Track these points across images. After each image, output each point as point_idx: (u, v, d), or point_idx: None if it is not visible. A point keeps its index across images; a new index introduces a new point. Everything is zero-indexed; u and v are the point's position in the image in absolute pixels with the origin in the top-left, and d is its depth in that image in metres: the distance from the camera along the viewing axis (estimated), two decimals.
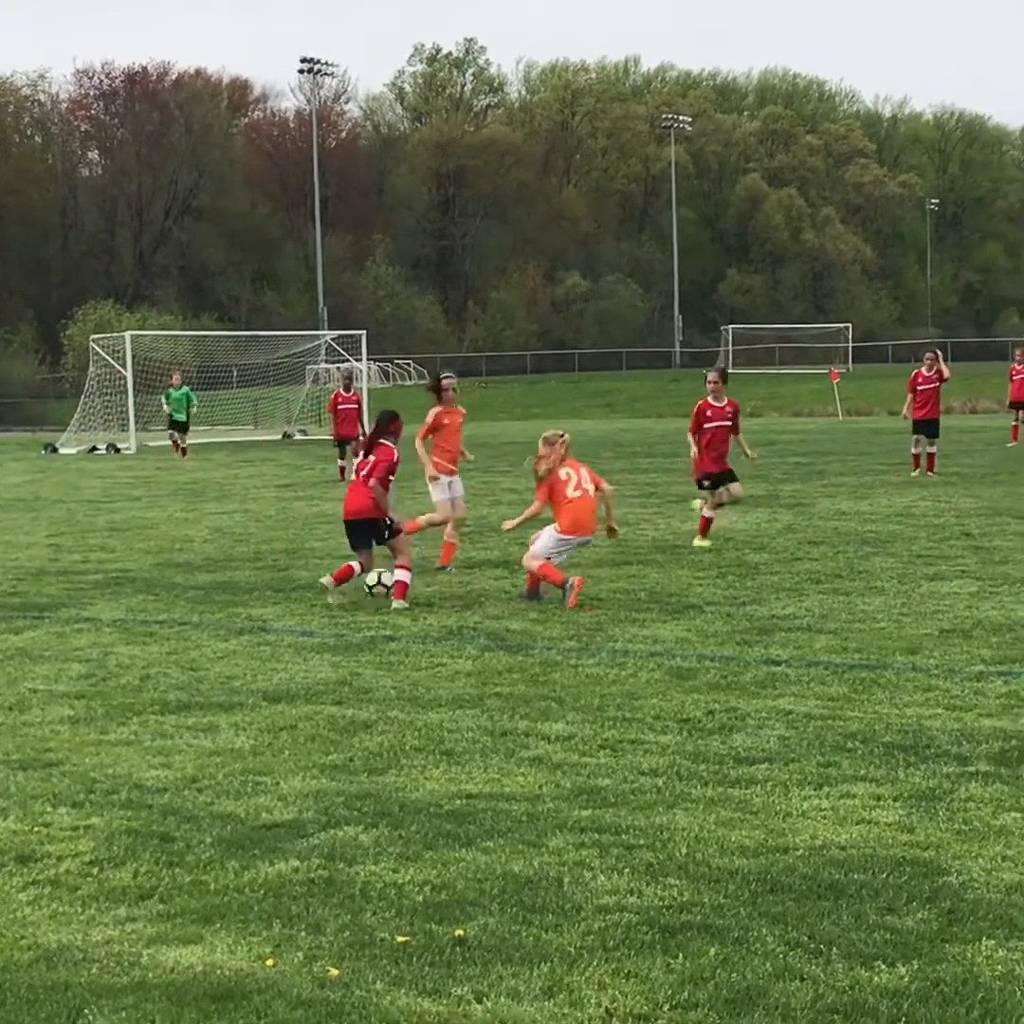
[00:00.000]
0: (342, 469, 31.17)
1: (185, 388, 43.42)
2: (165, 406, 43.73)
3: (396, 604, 14.97)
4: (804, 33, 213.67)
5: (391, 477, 15.60)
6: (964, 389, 73.58)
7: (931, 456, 29.64)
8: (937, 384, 30.12)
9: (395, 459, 15.61)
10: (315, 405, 60.29)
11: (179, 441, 42.84)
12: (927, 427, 29.91)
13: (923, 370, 30.53)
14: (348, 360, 60.33)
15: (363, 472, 15.63)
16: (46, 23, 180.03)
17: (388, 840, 7.57)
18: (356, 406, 32.71)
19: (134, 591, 16.44)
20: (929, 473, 29.22)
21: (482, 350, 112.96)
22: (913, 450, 30.17)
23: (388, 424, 15.90)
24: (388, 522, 15.52)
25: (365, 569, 15.53)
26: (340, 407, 32.64)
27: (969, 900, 6.60)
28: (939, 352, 31.67)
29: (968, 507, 23.06)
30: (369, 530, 15.59)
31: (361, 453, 16.10)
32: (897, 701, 10.37)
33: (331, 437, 34.32)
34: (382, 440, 15.76)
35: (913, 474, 29.19)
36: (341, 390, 33.21)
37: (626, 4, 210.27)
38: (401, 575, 15.21)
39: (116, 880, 7.10)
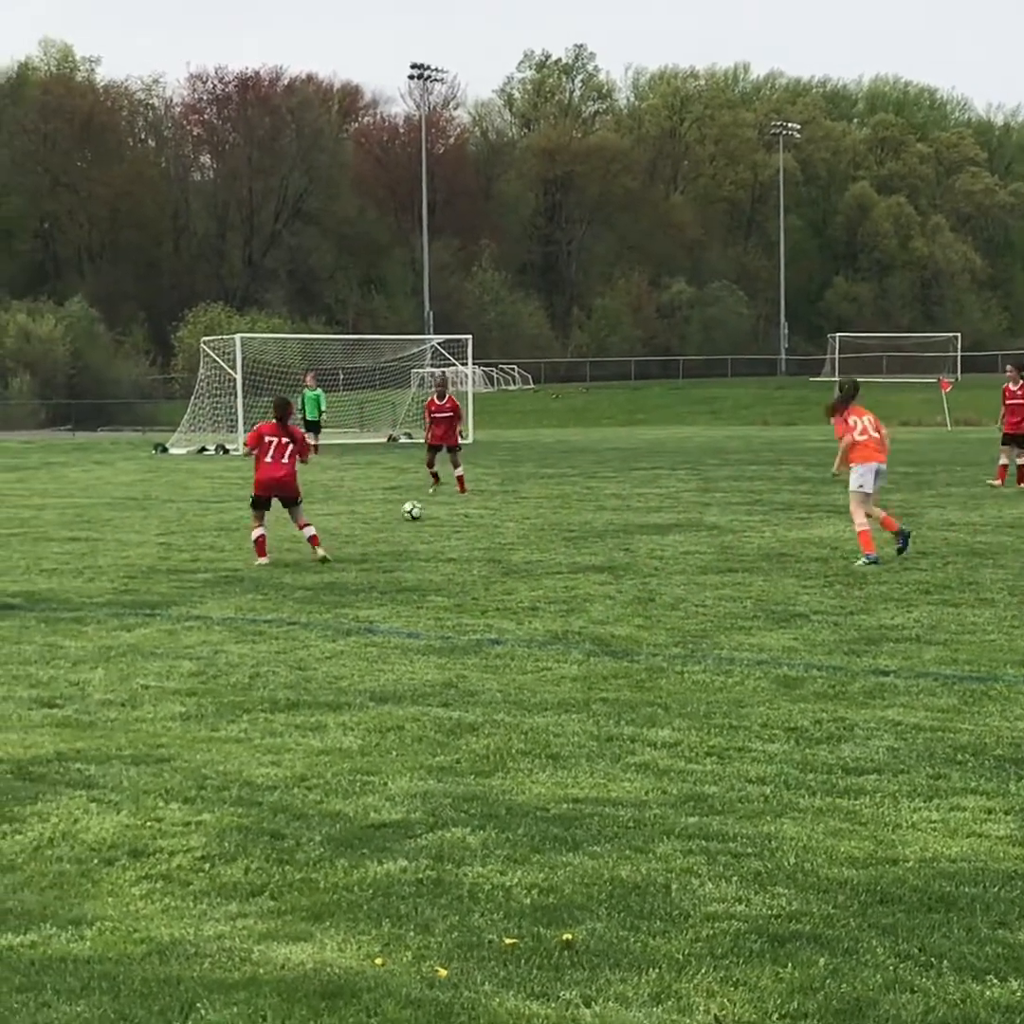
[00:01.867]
0: (434, 475, 30.85)
1: (318, 390, 44.74)
2: (300, 407, 44.67)
3: (321, 553, 18.70)
4: (916, 41, 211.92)
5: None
6: None
7: (1020, 467, 29.38)
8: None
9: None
10: (420, 409, 60.55)
11: (312, 440, 43.64)
12: (1018, 439, 29.73)
13: (1009, 385, 30.22)
14: (453, 364, 60.53)
15: (287, 452, 19.05)
16: (160, 29, 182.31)
17: (495, 842, 7.58)
18: (452, 413, 31.62)
19: (243, 590, 16.58)
20: (1021, 484, 29.00)
21: (586, 356, 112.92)
22: (1001, 461, 29.92)
23: (287, 409, 19.59)
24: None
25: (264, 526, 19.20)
26: (434, 415, 31.39)
27: None
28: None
29: None
30: (291, 498, 19.21)
31: (277, 435, 19.15)
32: (1008, 714, 10.25)
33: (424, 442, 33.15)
34: (288, 423, 19.37)
35: (993, 483, 29.10)
36: (434, 397, 31.93)
37: (736, 11, 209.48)
38: (312, 529, 19.13)
39: (227, 876, 7.16)
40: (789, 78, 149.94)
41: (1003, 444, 30.09)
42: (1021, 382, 30.06)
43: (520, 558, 19.08)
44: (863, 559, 17.85)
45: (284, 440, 19.17)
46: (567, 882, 6.99)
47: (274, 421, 19.36)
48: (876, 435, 18.82)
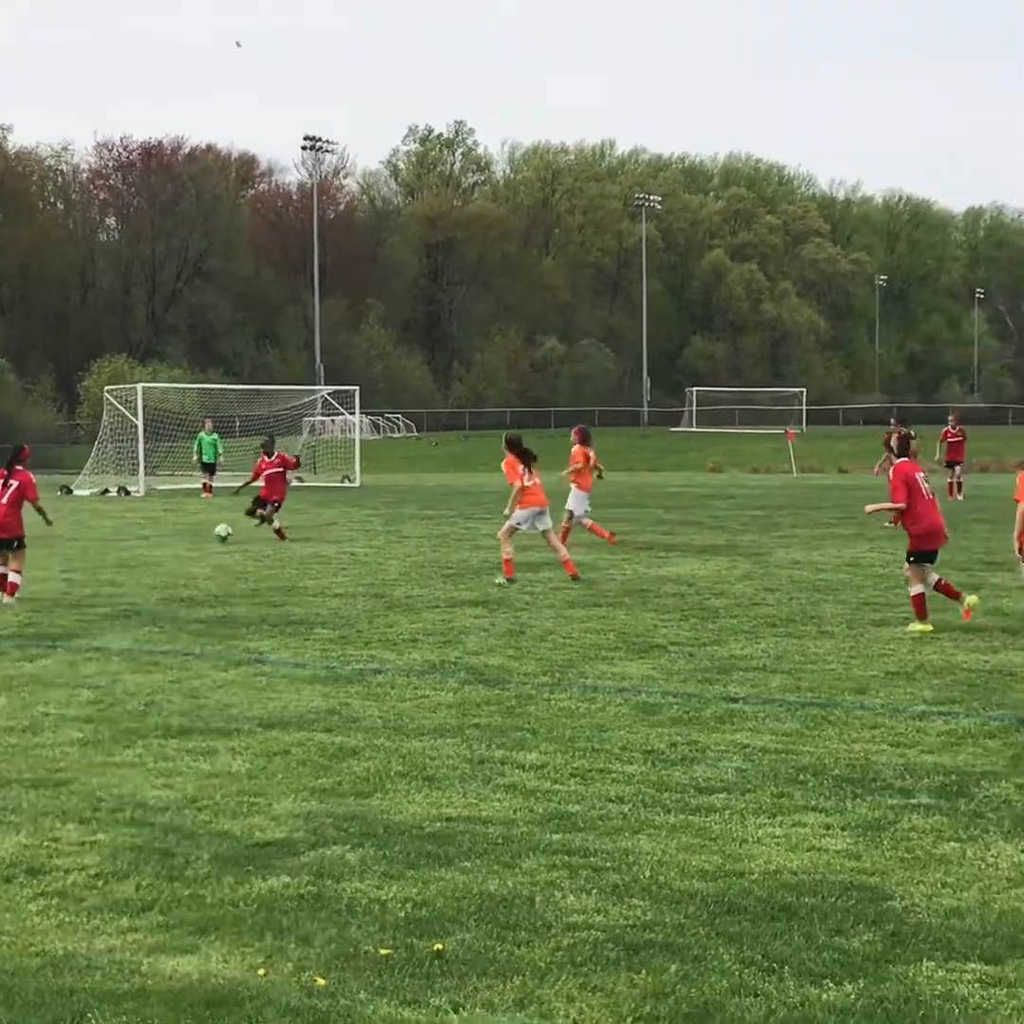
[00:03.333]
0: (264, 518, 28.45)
1: (215, 434, 44.95)
2: (196, 451, 45.02)
3: (8, 600, 17.68)
4: (766, 122, 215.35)
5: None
6: None
7: (960, 484, 37.09)
8: (962, 437, 38.51)
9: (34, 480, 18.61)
10: (312, 454, 60.23)
11: (208, 481, 44.07)
12: (955, 463, 37.99)
13: (949, 428, 38.61)
14: (342, 413, 60.26)
15: (6, 497, 18.13)
16: (68, 99, 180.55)
17: (373, 859, 7.51)
18: (281, 469, 29.31)
19: (141, 623, 16.36)
20: (959, 497, 35.89)
21: (466, 406, 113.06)
22: (948, 479, 36.77)
23: (21, 454, 18.75)
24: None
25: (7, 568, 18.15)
26: (265, 473, 29.21)
27: (911, 923, 6.57)
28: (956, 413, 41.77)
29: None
30: (10, 542, 18.14)
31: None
32: (846, 737, 10.35)
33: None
34: (18, 467, 18.46)
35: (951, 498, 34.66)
36: (265, 456, 29.69)
37: (603, 93, 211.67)
38: (18, 578, 18.04)
39: (119, 892, 7.03)
40: (651, 154, 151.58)
41: (946, 466, 37.60)
42: (959, 426, 38.52)
43: (401, 593, 19.00)
44: (501, 580, 19.70)
45: (12, 483, 18.32)
46: (439, 896, 6.94)
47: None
48: (538, 483, 20.66)
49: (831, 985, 5.89)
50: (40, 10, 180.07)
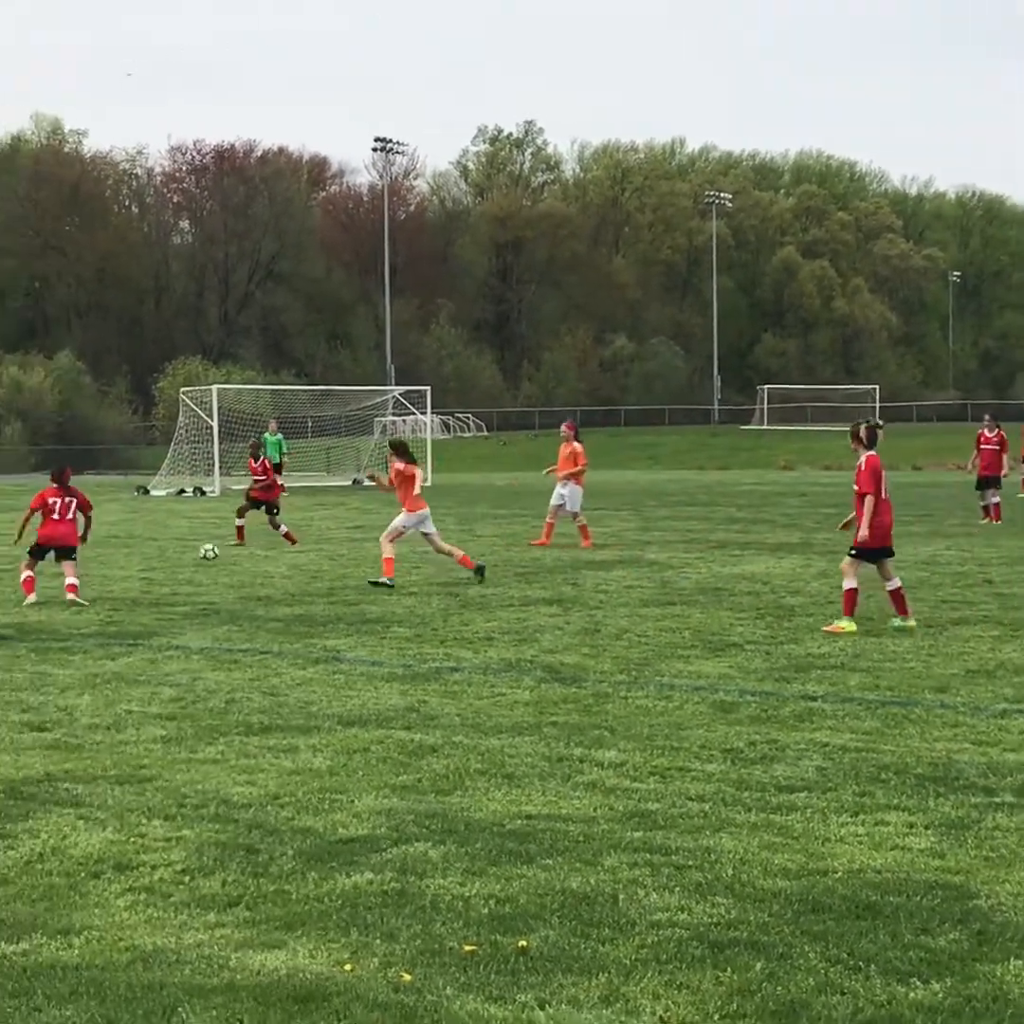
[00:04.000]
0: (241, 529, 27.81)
1: (279, 435, 44.84)
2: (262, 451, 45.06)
3: (72, 597, 18.36)
4: (838, 117, 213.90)
5: None
6: None
7: (997, 506, 30.59)
8: (999, 445, 31.62)
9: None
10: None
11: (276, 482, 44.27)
12: (991, 480, 31.12)
13: (985, 431, 31.76)
14: (414, 413, 60.43)
15: (70, 510, 19.27)
16: (144, 103, 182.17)
17: (455, 856, 7.53)
18: (265, 476, 28.79)
19: (220, 622, 16.49)
20: (996, 521, 30.17)
21: (535, 405, 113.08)
22: (981, 502, 31.15)
23: (65, 474, 19.64)
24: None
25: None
26: (256, 480, 28.95)
27: (998, 922, 6.51)
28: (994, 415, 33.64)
29: (989, 556, 22.86)
30: (71, 551, 19.11)
31: (62, 495, 19.33)
32: (927, 736, 10.27)
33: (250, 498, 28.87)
34: (69, 485, 19.58)
35: (982, 522, 30.13)
36: (251, 460, 29.08)
37: (674, 90, 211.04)
38: (75, 579, 18.82)
39: (206, 888, 7.09)
40: (721, 152, 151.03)
41: (977, 488, 31.47)
42: (997, 430, 31.63)
43: (476, 592, 19.04)
44: (384, 580, 19.58)
45: (67, 500, 19.39)
46: (522, 893, 6.94)
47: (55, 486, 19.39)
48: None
49: (918, 983, 5.84)
50: (112, 16, 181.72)
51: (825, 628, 15.30)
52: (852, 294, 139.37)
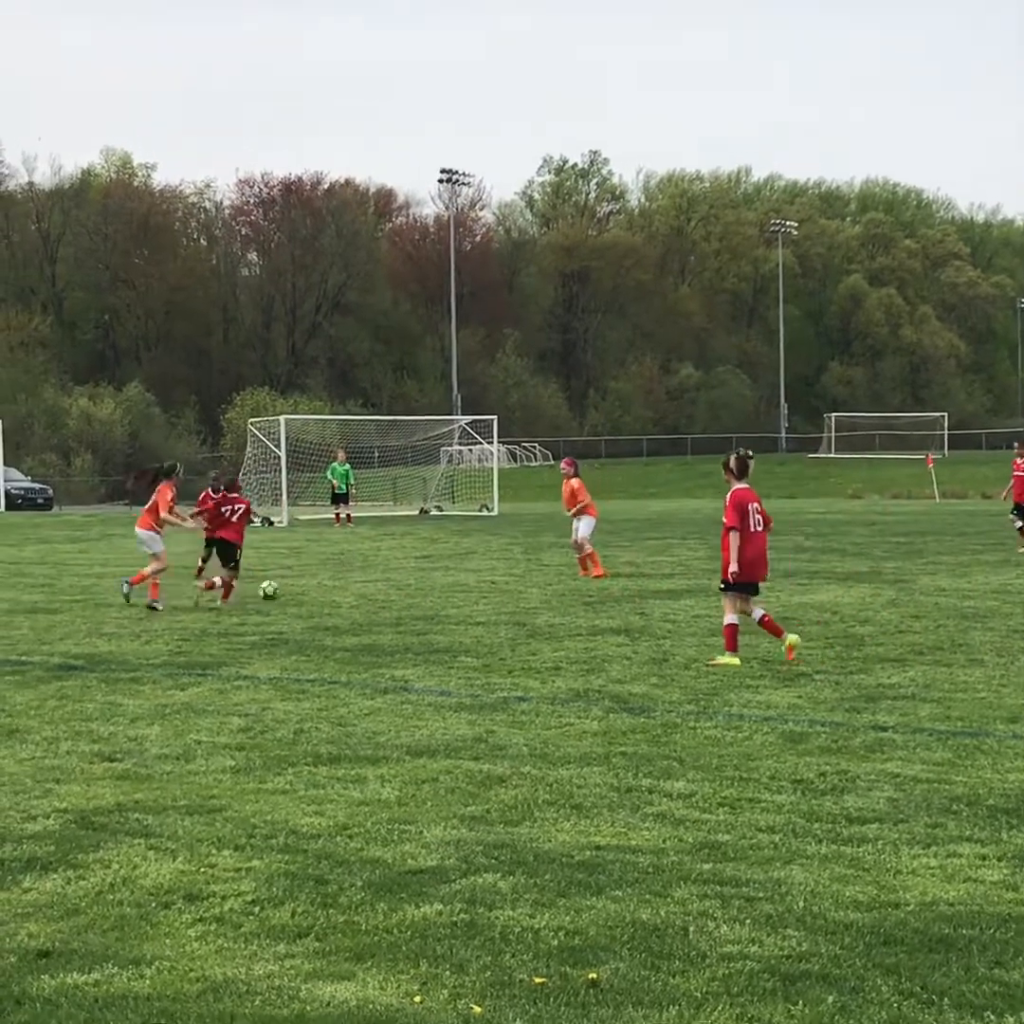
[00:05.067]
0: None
1: (347, 465, 45.74)
2: (330, 479, 46.20)
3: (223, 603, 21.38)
4: (905, 145, 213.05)
5: None
6: None
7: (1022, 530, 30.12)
8: None
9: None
10: (450, 484, 60.67)
11: (340, 512, 45.14)
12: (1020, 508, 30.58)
13: (1018, 459, 31.02)
14: (480, 442, 60.51)
15: (238, 513, 22.63)
16: (212, 137, 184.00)
17: (524, 887, 7.51)
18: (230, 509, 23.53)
19: (288, 652, 16.55)
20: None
21: (601, 434, 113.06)
22: (1018, 524, 30.57)
23: (235, 484, 23.23)
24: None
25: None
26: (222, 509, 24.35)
27: None
28: None
29: None
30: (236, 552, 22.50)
31: (218, 504, 22.58)
32: (999, 767, 10.16)
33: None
34: (234, 494, 22.96)
35: (1020, 551, 29.50)
36: (209, 490, 24.26)
37: (738, 119, 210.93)
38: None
39: (275, 919, 7.10)
40: (787, 180, 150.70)
41: (1013, 512, 30.89)
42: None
43: (543, 621, 19.03)
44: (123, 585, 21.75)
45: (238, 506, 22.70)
46: (591, 924, 6.92)
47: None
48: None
49: (992, 1017, 5.78)
50: (181, 53, 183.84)
51: (708, 663, 15.08)
52: (919, 322, 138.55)
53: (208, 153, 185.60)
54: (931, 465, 63.60)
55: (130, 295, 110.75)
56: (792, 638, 15.33)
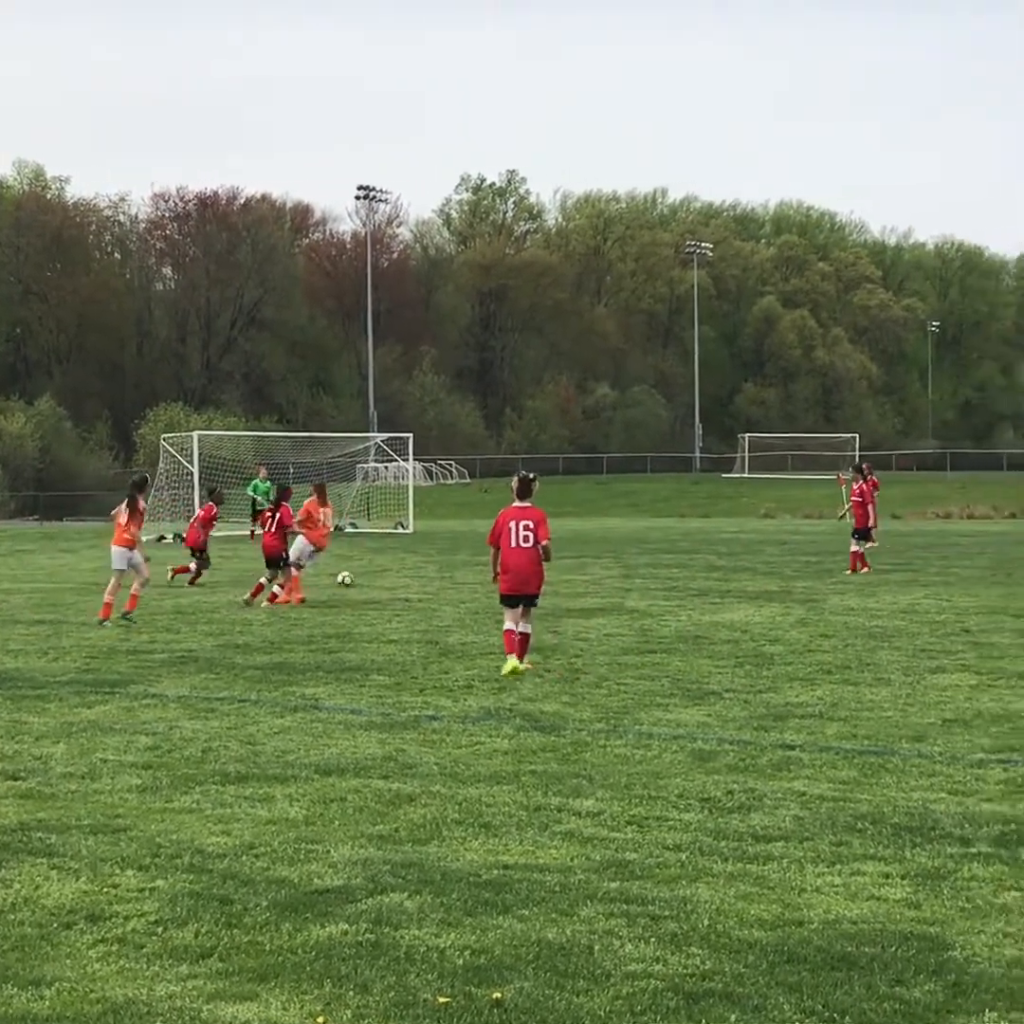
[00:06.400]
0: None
1: (269, 482, 45.71)
2: (252, 495, 46.16)
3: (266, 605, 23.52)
4: (817, 169, 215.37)
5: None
6: (961, 496, 73.46)
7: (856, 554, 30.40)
8: (863, 499, 31.25)
9: None
10: (365, 501, 60.51)
11: (255, 528, 45.10)
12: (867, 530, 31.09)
13: (854, 485, 31.55)
14: (396, 460, 60.52)
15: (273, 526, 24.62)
16: (126, 151, 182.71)
17: (431, 906, 7.50)
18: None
19: (197, 670, 16.43)
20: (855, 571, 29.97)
21: (518, 453, 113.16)
22: (854, 548, 30.62)
23: (286, 493, 25.93)
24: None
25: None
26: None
27: (973, 973, 6.50)
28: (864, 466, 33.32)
29: (967, 605, 22.91)
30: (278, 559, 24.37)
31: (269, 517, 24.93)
32: (903, 785, 10.27)
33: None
34: (284, 503, 25.08)
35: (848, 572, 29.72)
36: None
37: (654, 140, 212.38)
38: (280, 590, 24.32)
39: (179, 939, 7.04)
40: (702, 202, 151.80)
41: (853, 535, 30.93)
42: (861, 483, 31.36)
43: (456, 640, 19.02)
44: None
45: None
46: (497, 944, 6.92)
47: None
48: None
49: None
50: (97, 66, 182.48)
51: (502, 672, 15.70)
52: (832, 344, 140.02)
53: (123, 167, 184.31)
54: (843, 484, 64.15)
55: (42, 308, 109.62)
56: (511, 665, 15.77)
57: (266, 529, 24.95)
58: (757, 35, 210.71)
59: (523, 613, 16.18)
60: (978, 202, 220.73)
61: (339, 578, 27.15)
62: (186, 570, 29.05)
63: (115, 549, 22.05)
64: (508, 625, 16.17)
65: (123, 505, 22.07)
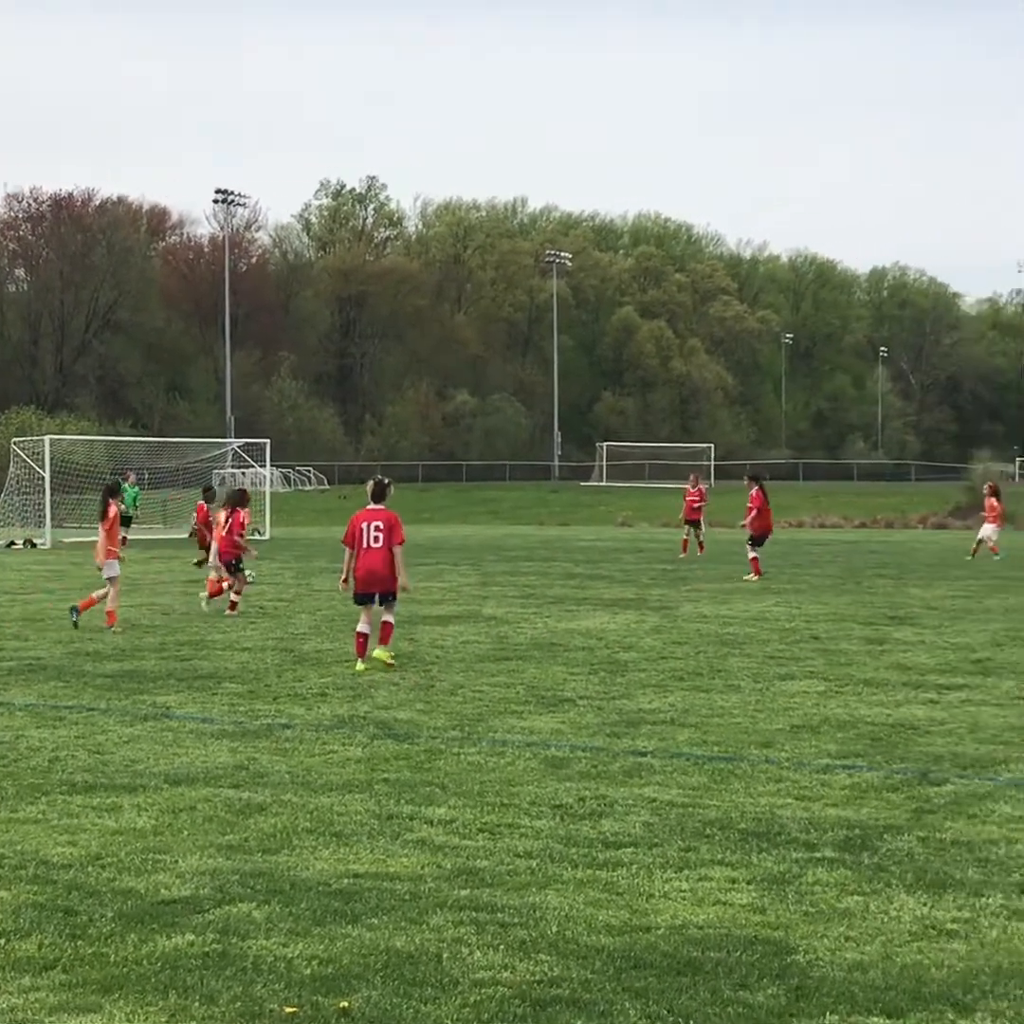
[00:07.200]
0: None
1: (136, 487, 44.98)
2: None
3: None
4: (675, 181, 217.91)
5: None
6: (813, 505, 74.62)
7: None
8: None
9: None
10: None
11: (122, 534, 44.30)
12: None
13: (750, 492, 32.71)
14: (253, 466, 60.10)
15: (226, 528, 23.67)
16: None
17: (279, 916, 7.45)
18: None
19: (46, 678, 16.15)
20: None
21: (377, 459, 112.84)
22: (750, 554, 31.33)
23: (243, 497, 25.04)
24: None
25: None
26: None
27: (815, 977, 6.61)
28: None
29: (817, 612, 23.28)
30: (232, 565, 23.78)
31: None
32: (752, 790, 10.41)
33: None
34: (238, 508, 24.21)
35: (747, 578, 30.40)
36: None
37: (515, 150, 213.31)
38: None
39: (21, 951, 6.92)
40: (562, 212, 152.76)
41: (749, 542, 31.72)
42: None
43: (311, 647, 18.92)
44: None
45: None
46: (346, 953, 6.89)
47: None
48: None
49: None
50: None
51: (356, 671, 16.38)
52: (689, 354, 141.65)
53: None
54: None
55: None
56: (360, 667, 16.49)
57: (220, 533, 24.26)
58: (616, 46, 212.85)
59: (385, 606, 16.98)
60: (831, 217, 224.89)
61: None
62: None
63: (108, 563, 21.52)
64: (360, 627, 16.89)
65: (99, 516, 21.75)
